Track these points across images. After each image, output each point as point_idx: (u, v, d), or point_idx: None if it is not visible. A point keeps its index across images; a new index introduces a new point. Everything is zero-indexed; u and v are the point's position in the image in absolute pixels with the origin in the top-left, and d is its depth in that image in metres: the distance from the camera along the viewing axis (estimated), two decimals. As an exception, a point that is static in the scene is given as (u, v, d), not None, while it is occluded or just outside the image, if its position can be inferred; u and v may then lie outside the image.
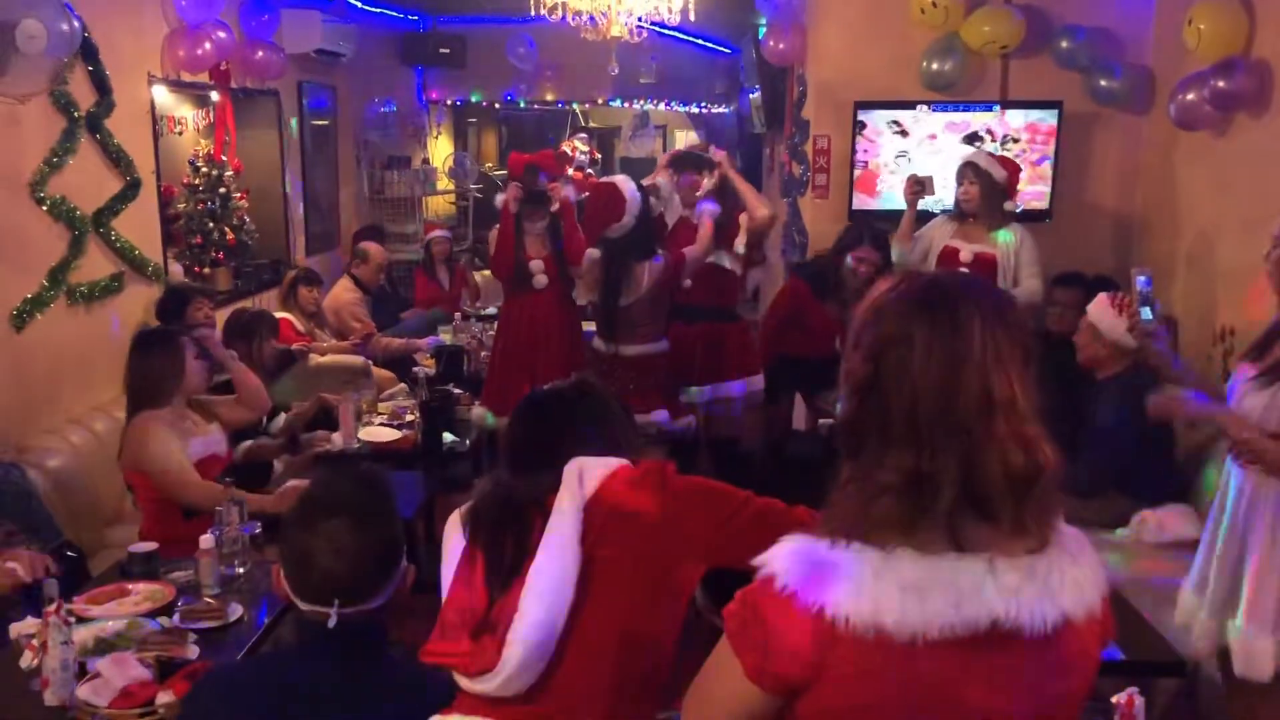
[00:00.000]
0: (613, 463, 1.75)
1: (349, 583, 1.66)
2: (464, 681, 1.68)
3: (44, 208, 4.24)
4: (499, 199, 4.86)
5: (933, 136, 5.34)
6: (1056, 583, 1.26)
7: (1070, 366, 4.71)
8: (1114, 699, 1.85)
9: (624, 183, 4.52)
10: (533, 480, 1.76)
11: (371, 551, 1.68)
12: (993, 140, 5.30)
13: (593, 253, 4.52)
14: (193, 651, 2.55)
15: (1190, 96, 4.50)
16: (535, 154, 4.92)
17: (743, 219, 4.82)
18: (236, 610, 2.79)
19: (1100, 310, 3.92)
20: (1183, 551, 3.62)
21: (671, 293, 4.60)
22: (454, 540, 1.80)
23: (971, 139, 5.31)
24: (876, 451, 1.28)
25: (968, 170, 4.74)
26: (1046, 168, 5.34)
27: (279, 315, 5.76)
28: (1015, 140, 5.32)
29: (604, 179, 5.02)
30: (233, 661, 2.54)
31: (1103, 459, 3.89)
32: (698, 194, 4.84)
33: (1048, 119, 5.29)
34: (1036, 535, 1.27)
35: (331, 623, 1.66)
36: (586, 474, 1.72)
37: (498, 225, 4.82)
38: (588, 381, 1.96)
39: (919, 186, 4.88)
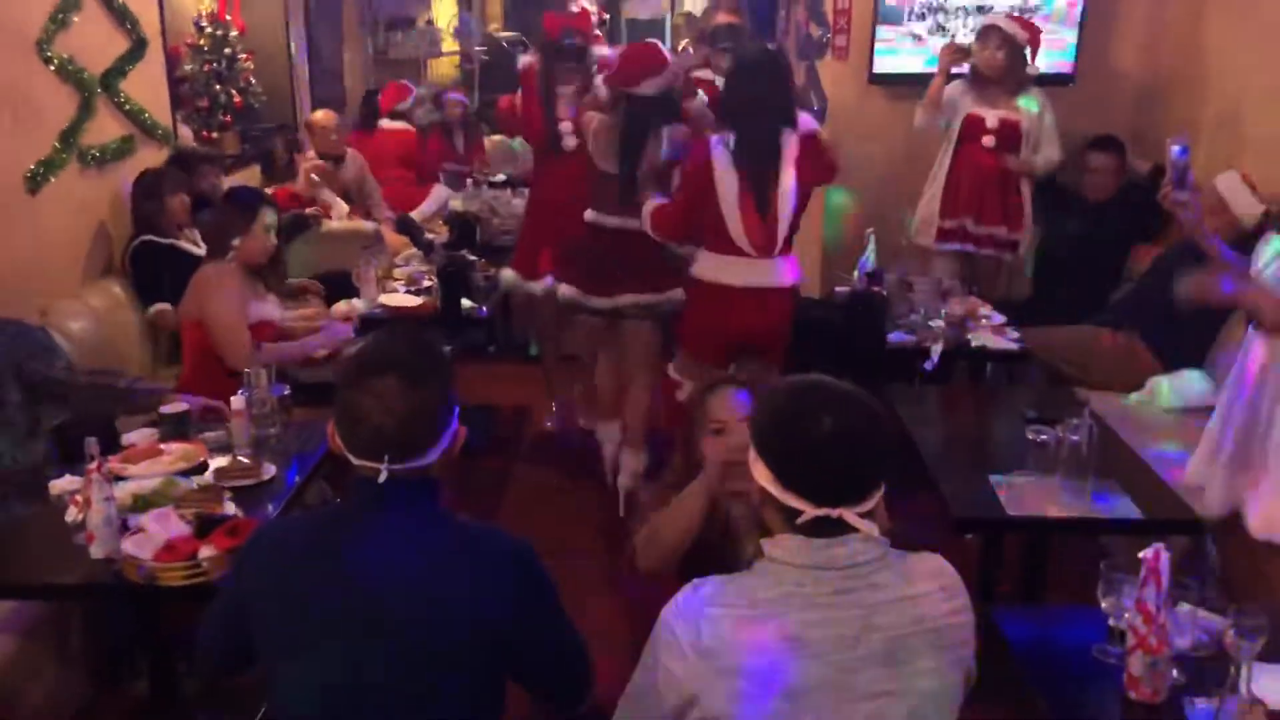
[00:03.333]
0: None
1: (399, 438, 1.68)
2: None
3: (51, 68, 4.16)
4: (523, 60, 4.72)
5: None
6: None
7: (1115, 231, 4.73)
8: (1140, 555, 1.90)
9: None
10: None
11: (421, 408, 1.69)
12: None
13: (601, 116, 4.28)
14: (230, 508, 2.61)
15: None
16: (571, 16, 4.75)
17: None
18: (270, 469, 2.85)
19: (1233, 184, 3.91)
20: (1194, 416, 3.68)
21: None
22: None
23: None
24: None
25: (992, 34, 4.62)
26: (1071, 31, 5.21)
27: (276, 188, 5.70)
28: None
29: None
30: (285, 516, 2.60)
31: (1169, 332, 3.95)
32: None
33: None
34: None
35: (382, 478, 1.68)
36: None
37: (517, 89, 4.68)
38: None
39: (960, 54, 4.73)
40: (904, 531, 1.75)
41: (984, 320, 4.16)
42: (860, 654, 1.56)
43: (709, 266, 3.68)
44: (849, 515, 1.59)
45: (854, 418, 1.61)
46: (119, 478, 2.71)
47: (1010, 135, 4.61)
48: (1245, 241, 3.38)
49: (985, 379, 4.49)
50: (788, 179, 3.55)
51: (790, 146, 3.55)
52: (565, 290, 4.23)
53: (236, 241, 3.55)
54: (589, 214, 4.10)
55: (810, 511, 1.59)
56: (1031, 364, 4.25)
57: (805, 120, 3.65)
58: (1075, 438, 2.77)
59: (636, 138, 3.93)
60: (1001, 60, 4.58)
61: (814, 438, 1.59)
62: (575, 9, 5.30)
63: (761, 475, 1.65)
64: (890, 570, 1.62)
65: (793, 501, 1.60)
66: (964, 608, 1.65)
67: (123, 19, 4.64)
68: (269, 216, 3.64)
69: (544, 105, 4.51)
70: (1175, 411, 3.86)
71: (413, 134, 6.98)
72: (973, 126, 4.65)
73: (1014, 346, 4.04)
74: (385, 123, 6.92)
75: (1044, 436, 2.88)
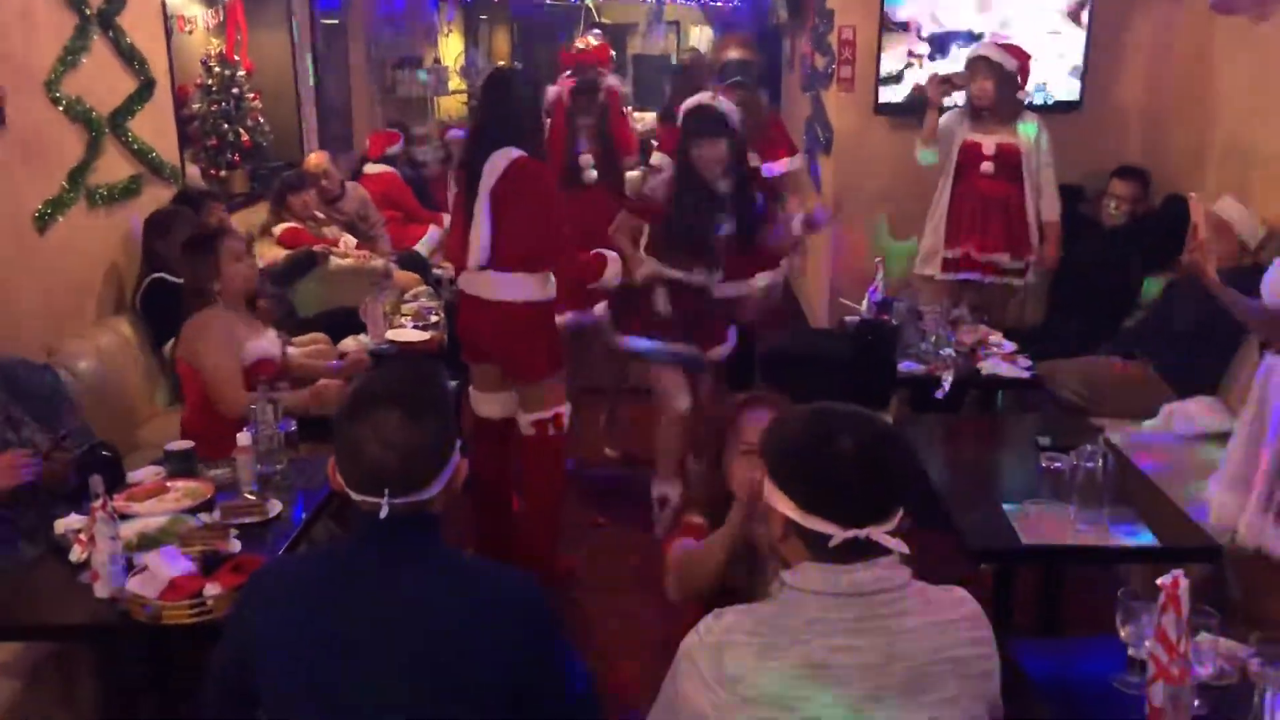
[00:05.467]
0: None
1: (399, 473, 1.66)
2: None
3: (60, 108, 4.19)
4: (551, 91, 4.76)
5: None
6: None
7: (1129, 259, 4.74)
8: (1158, 581, 1.87)
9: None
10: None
11: (422, 442, 1.68)
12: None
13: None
14: (235, 546, 2.59)
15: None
16: (585, 52, 4.83)
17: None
18: (275, 506, 2.83)
19: (1233, 209, 4.02)
20: (1209, 444, 3.65)
21: None
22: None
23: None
24: None
25: (980, 65, 4.61)
26: (1077, 57, 5.22)
27: (284, 227, 5.71)
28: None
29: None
30: (286, 555, 2.57)
31: (1183, 359, 3.97)
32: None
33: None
34: None
35: (383, 513, 1.66)
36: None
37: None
38: None
39: (947, 84, 4.73)
40: (919, 565, 1.73)
41: (994, 348, 4.14)
42: (883, 683, 1.54)
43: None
44: (877, 534, 1.58)
45: (871, 435, 1.61)
46: (124, 516, 2.69)
47: (1009, 161, 4.60)
48: (1249, 271, 3.45)
49: (996, 408, 4.46)
50: (482, 202, 3.58)
51: (491, 174, 3.57)
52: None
53: (215, 286, 3.53)
54: None
55: (839, 534, 1.58)
56: (1043, 392, 4.22)
57: (511, 151, 3.59)
58: (1090, 464, 2.73)
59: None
60: (991, 90, 4.56)
61: (836, 459, 1.58)
62: (582, 45, 5.35)
63: (783, 505, 1.63)
64: (913, 599, 1.60)
65: (820, 526, 1.59)
66: (987, 640, 1.63)
67: (131, 59, 4.68)
68: (232, 246, 3.61)
69: (565, 138, 4.53)
70: (1189, 439, 3.81)
71: (394, 175, 7.09)
72: (971, 154, 4.64)
73: (1025, 374, 4.01)
74: (369, 168, 7.01)
75: (1058, 464, 2.85)
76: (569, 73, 4.74)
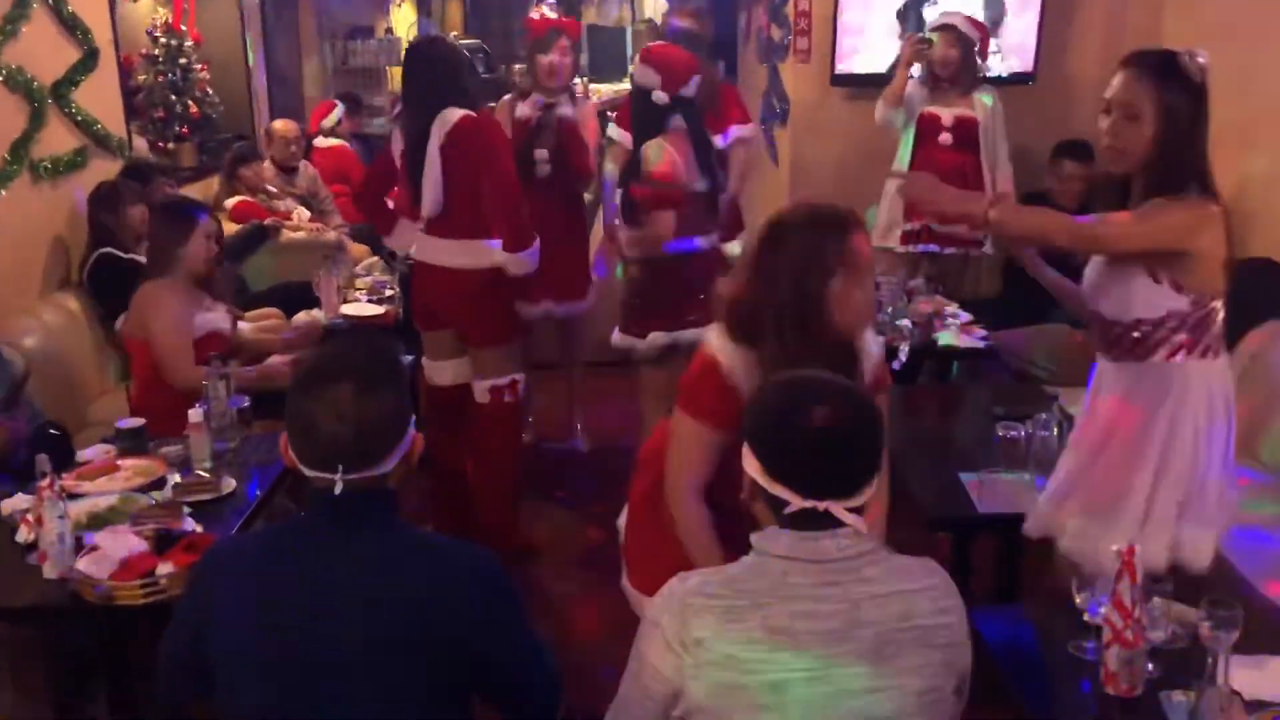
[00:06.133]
0: None
1: (353, 448, 1.64)
2: None
3: (0, 78, 4.08)
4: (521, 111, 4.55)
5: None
6: None
7: None
8: (1113, 549, 1.89)
9: None
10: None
11: (376, 417, 1.65)
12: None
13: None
14: (189, 524, 2.54)
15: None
16: (557, 19, 4.75)
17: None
18: (230, 483, 2.79)
19: None
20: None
21: None
22: None
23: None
24: None
25: (949, 31, 4.64)
26: (1031, 28, 5.24)
27: (236, 200, 5.61)
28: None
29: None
30: (239, 534, 2.53)
31: None
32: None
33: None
34: None
35: (337, 489, 1.64)
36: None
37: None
38: None
39: (924, 45, 4.70)
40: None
41: (951, 319, 4.16)
42: (847, 649, 1.54)
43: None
44: (835, 509, 1.59)
45: (846, 411, 1.61)
46: (74, 495, 2.64)
47: (967, 131, 4.63)
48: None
49: (951, 378, 4.49)
50: (433, 163, 3.58)
51: (436, 135, 3.56)
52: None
53: (180, 253, 3.49)
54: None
55: (797, 503, 1.59)
56: (998, 362, 4.25)
57: (455, 111, 3.58)
58: (1045, 433, 2.76)
59: (704, 145, 3.84)
60: (956, 57, 4.60)
61: (804, 429, 1.59)
62: (537, 15, 5.26)
63: (751, 466, 1.65)
64: (879, 566, 1.61)
65: (780, 492, 1.60)
66: (954, 609, 1.64)
67: (73, 28, 4.56)
68: (209, 225, 3.59)
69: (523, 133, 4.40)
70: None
71: (347, 149, 6.99)
72: (929, 125, 4.66)
73: (981, 344, 4.04)
74: (320, 141, 6.91)
75: (1014, 433, 2.87)
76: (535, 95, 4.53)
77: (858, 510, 1.61)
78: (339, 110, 7.15)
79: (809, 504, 1.58)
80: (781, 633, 1.54)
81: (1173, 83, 2.22)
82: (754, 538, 1.65)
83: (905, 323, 3.99)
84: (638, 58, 3.95)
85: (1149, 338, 2.30)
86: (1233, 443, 2.36)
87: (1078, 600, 2.04)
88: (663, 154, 3.65)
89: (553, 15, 5.41)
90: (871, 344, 2.35)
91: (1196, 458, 2.29)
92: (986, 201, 2.46)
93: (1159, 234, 2.23)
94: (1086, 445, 2.45)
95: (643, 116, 3.80)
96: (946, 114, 4.66)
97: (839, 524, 1.59)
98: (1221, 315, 2.30)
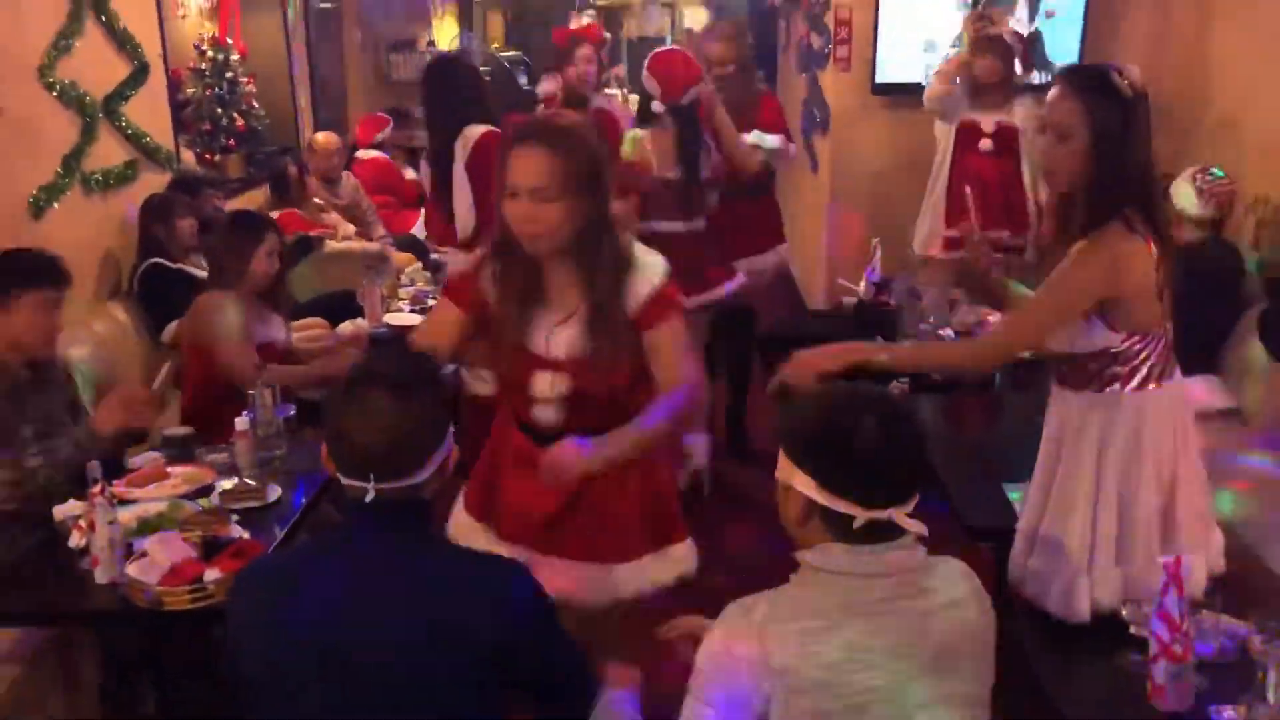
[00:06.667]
0: None
1: (385, 457, 1.64)
2: None
3: (54, 93, 4.17)
4: (542, 88, 4.73)
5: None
6: None
7: None
8: (1160, 561, 1.87)
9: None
10: None
11: (410, 425, 1.65)
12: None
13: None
14: (236, 530, 2.58)
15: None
16: (581, 28, 4.84)
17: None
18: (275, 491, 2.82)
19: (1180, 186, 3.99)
20: (1208, 420, 3.64)
21: None
22: None
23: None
24: None
25: (997, 43, 4.60)
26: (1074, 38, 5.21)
27: (281, 212, 5.67)
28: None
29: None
30: (277, 552, 2.54)
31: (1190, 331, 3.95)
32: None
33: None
34: None
35: (369, 497, 1.64)
36: None
37: (517, 108, 4.70)
38: None
39: (986, 22, 4.64)
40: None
41: (993, 328, 4.12)
42: (913, 663, 1.53)
43: None
44: (899, 516, 1.57)
45: (893, 416, 1.60)
46: (124, 501, 2.69)
47: (1008, 139, 4.60)
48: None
49: (994, 387, 4.45)
50: (461, 182, 3.64)
51: (460, 155, 3.64)
52: None
53: (247, 266, 3.54)
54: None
55: (863, 515, 1.56)
56: (1041, 370, 4.20)
57: (476, 128, 3.70)
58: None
59: (693, 144, 4.00)
60: (1001, 69, 4.58)
61: (861, 439, 1.56)
62: (576, 25, 5.33)
63: (804, 485, 1.59)
64: (934, 576, 1.60)
65: (844, 507, 1.56)
66: (989, 611, 1.64)
67: (124, 44, 4.65)
68: (273, 240, 3.63)
69: None
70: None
71: (388, 161, 7.07)
72: (969, 133, 4.63)
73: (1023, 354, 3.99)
74: (361, 153, 6.98)
75: (1058, 443, 2.83)
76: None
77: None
78: (391, 126, 7.25)
79: (874, 514, 1.56)
80: (860, 651, 1.52)
81: (1102, 99, 2.13)
82: (807, 555, 1.61)
83: (948, 332, 3.97)
84: (644, 65, 4.11)
85: (1084, 369, 2.24)
86: (1199, 463, 2.28)
87: (1124, 612, 2.02)
88: (636, 145, 3.92)
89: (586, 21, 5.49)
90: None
91: (1128, 488, 2.18)
92: (875, 348, 2.53)
93: (1074, 300, 2.18)
94: (1037, 480, 2.37)
95: (643, 117, 4.10)
96: (987, 120, 4.63)
97: (895, 535, 1.58)
98: (1163, 344, 2.23)
